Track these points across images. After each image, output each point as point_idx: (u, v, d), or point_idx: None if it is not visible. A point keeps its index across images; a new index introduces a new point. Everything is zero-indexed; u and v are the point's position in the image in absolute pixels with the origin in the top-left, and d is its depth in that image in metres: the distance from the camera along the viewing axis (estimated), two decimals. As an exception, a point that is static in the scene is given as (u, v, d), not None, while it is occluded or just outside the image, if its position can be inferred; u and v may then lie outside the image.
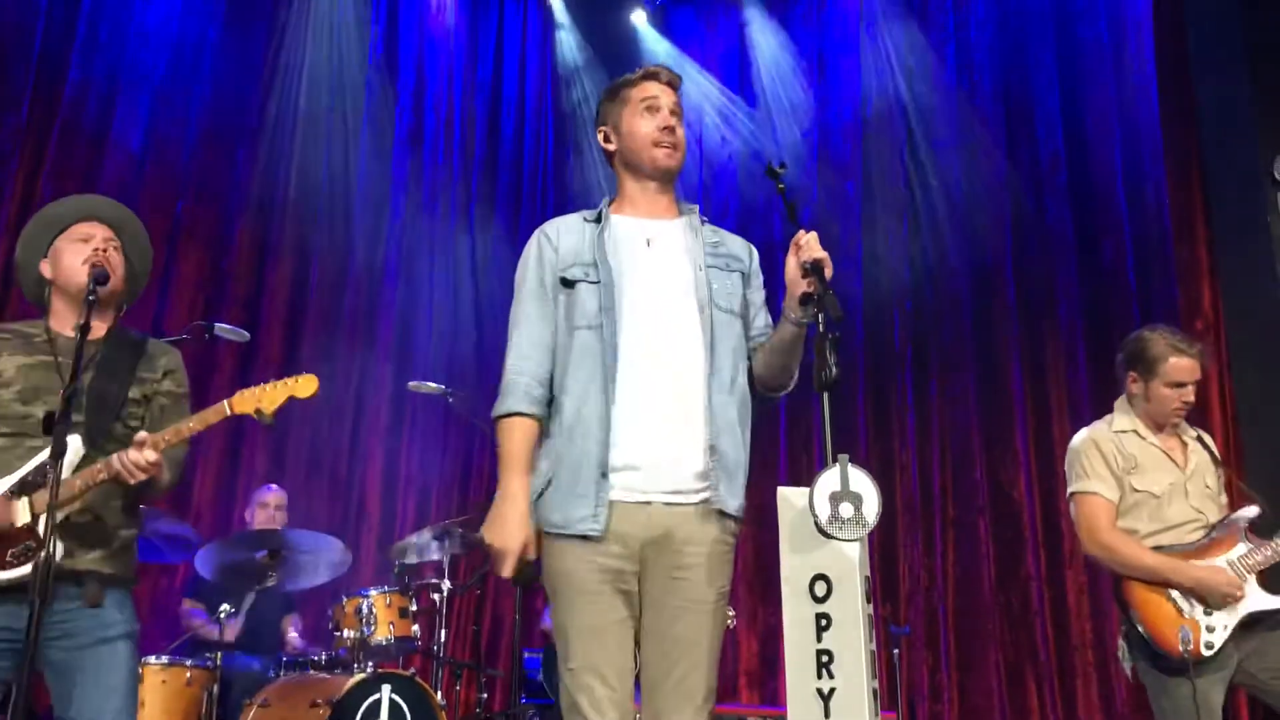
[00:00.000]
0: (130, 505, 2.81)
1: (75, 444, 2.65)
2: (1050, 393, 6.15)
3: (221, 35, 6.72)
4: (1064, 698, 5.78)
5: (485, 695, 5.45)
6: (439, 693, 4.83)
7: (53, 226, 2.93)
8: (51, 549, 2.41)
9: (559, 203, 8.03)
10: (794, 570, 2.18)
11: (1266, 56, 5.21)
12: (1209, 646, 3.31)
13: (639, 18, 8.39)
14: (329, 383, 6.60)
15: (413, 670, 5.03)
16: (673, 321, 2.50)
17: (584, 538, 2.33)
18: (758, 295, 2.68)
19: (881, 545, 6.50)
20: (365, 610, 4.77)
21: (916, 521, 6.55)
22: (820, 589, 2.18)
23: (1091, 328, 5.99)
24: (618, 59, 8.25)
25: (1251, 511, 3.50)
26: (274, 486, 5.63)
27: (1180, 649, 3.26)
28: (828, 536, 2.18)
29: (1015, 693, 5.97)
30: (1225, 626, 3.33)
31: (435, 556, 5.25)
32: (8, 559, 2.61)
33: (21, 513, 2.63)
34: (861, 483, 2.23)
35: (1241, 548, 3.43)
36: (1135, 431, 3.59)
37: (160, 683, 4.32)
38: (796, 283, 2.39)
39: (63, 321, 2.87)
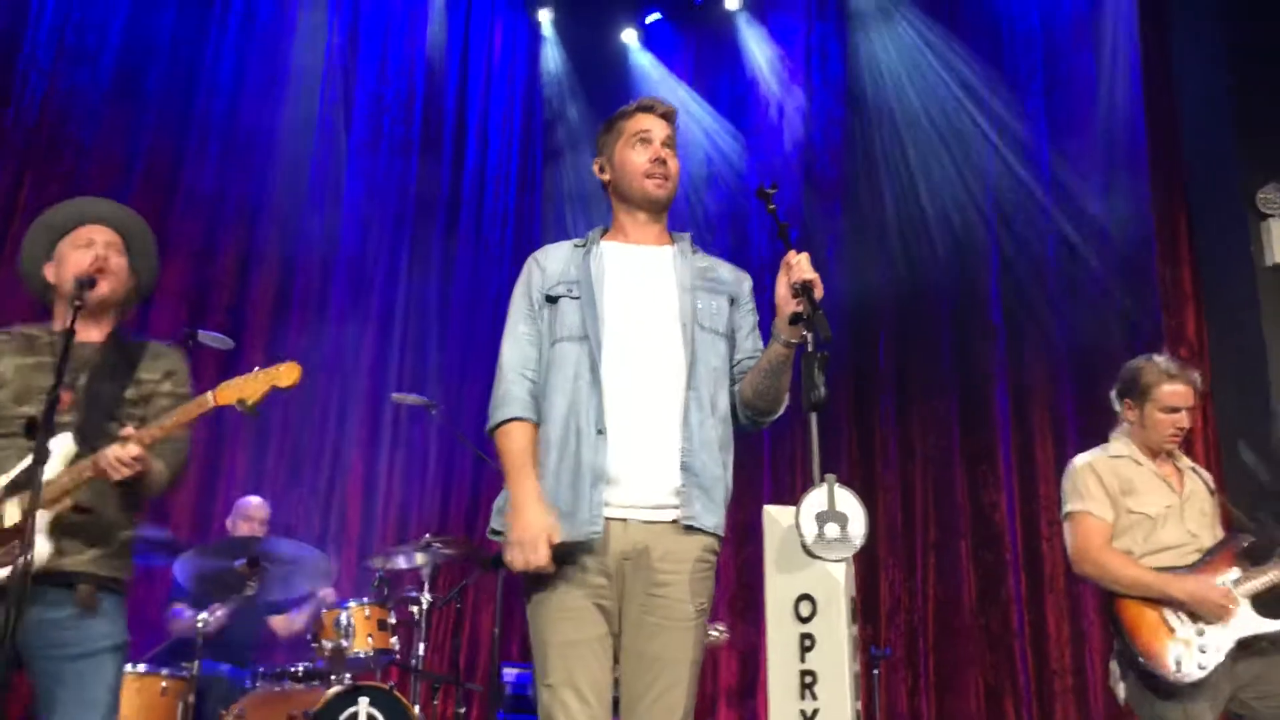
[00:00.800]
0: (128, 504, 2.80)
1: (66, 443, 2.65)
2: (1033, 416, 6.17)
3: (210, 46, 6.71)
4: (1042, 721, 5.78)
5: (463, 709, 5.41)
6: (416, 706, 4.79)
7: (55, 231, 2.93)
8: (30, 553, 2.39)
9: (541, 218, 8.03)
10: (779, 590, 2.18)
11: (1249, 90, 5.28)
12: (1202, 667, 3.32)
13: (630, 35, 8.41)
14: (311, 392, 6.66)
15: (391, 683, 5.00)
16: (655, 338, 2.54)
17: (565, 559, 2.35)
18: (748, 319, 2.70)
19: (863, 566, 6.48)
20: (344, 622, 4.74)
21: (898, 543, 6.55)
22: (805, 609, 2.18)
23: (1075, 352, 6.02)
24: (605, 76, 8.28)
25: (1246, 538, 3.54)
26: (257, 498, 5.59)
27: (1173, 669, 3.28)
28: (813, 556, 2.18)
29: (994, 715, 5.97)
30: (1219, 648, 3.34)
31: (416, 569, 5.23)
32: None
33: (10, 513, 2.61)
34: (848, 503, 2.24)
35: (1236, 572, 3.46)
36: (1131, 457, 3.64)
37: (135, 692, 4.28)
38: (786, 302, 2.41)
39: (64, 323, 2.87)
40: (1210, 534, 3.58)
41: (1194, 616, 3.37)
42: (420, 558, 5.11)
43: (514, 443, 2.45)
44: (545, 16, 8.41)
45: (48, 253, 2.91)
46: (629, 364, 2.48)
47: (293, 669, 4.74)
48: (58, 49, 6.11)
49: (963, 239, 6.69)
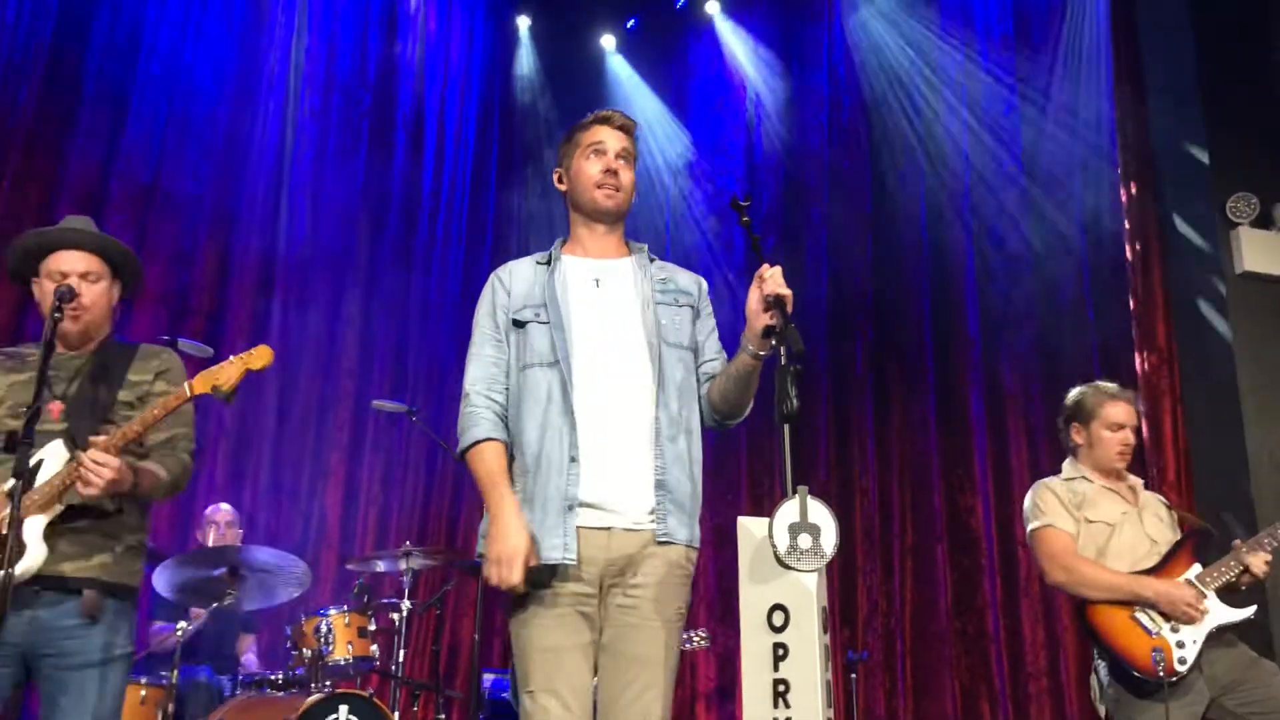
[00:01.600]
0: (136, 508, 2.82)
1: (58, 449, 2.67)
2: (1008, 421, 6.23)
3: (190, 49, 6.71)
4: (1017, 725, 5.84)
5: (443, 716, 5.43)
6: (396, 713, 4.81)
7: (33, 255, 2.94)
8: (10, 564, 2.41)
9: (520, 221, 8.04)
10: (752, 600, 2.22)
11: (1220, 99, 5.35)
12: (1182, 662, 3.39)
13: (608, 41, 8.44)
14: (290, 398, 6.67)
15: (370, 690, 5.01)
16: (622, 359, 2.55)
17: (547, 570, 2.37)
18: (707, 324, 2.74)
19: (841, 570, 6.54)
20: (324, 629, 4.75)
21: (875, 547, 6.60)
22: (778, 619, 2.22)
23: (1048, 358, 6.08)
24: (581, 82, 8.31)
25: (1203, 535, 3.66)
26: (223, 505, 5.57)
27: (1155, 668, 3.34)
28: (786, 567, 2.22)
29: (970, 718, 6.02)
30: (1194, 641, 3.42)
31: (396, 575, 5.24)
32: None
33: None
34: (820, 514, 2.27)
35: (1197, 567, 3.56)
36: (1084, 477, 3.77)
37: (114, 700, 4.27)
38: (757, 315, 2.43)
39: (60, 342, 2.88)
40: (1169, 539, 3.68)
41: (1165, 615, 3.44)
42: (400, 564, 5.13)
43: (486, 463, 2.46)
44: (523, 23, 8.44)
45: (33, 272, 2.95)
46: (599, 387, 2.50)
47: (272, 676, 4.74)
48: (35, 50, 6.10)
49: (940, 247, 6.75)
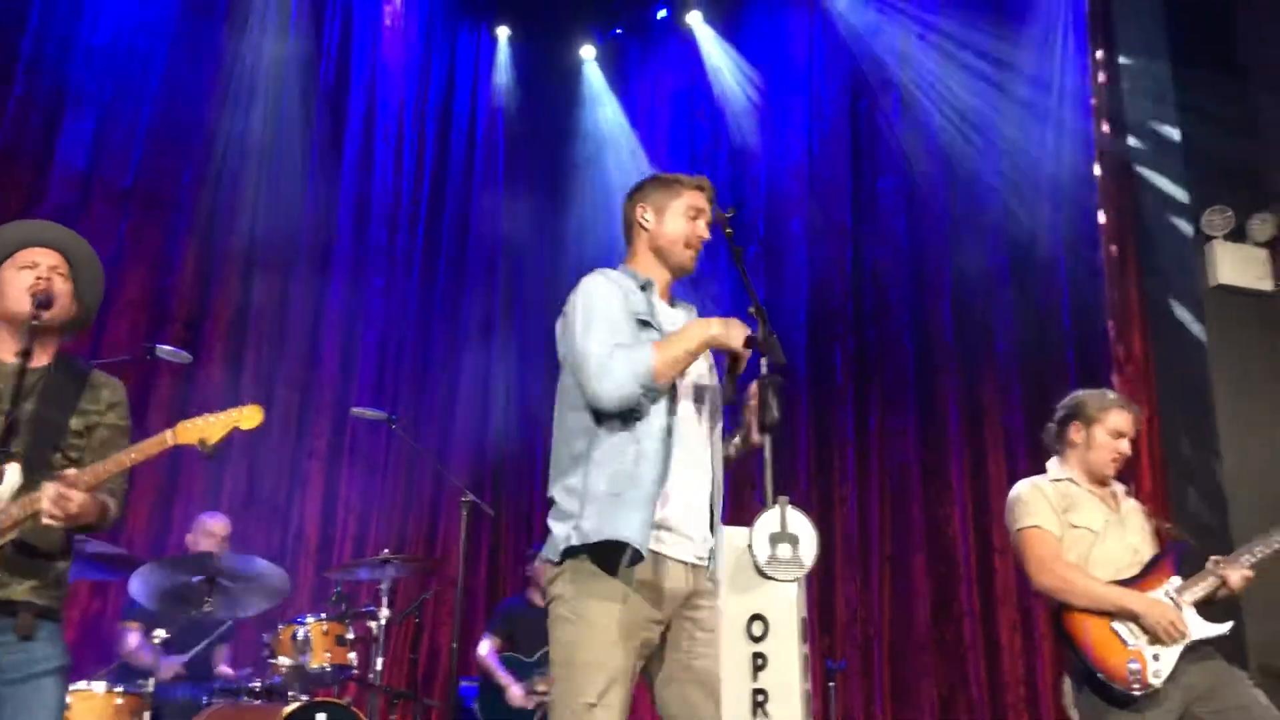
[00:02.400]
0: (66, 536, 2.78)
1: (14, 473, 2.63)
2: (986, 431, 6.27)
3: (169, 55, 6.69)
4: (994, 733, 5.87)
5: (421, 725, 5.42)
6: (374, 722, 4.80)
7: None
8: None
9: (496, 231, 8.03)
10: (732, 610, 2.23)
11: (1196, 114, 5.41)
12: (1156, 675, 3.41)
13: (587, 52, 8.46)
14: (270, 405, 6.63)
15: (349, 699, 5.00)
16: (700, 403, 2.77)
17: (634, 584, 2.50)
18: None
19: (820, 579, 6.56)
20: (301, 638, 4.73)
21: (854, 555, 6.63)
22: (757, 629, 2.23)
23: (1027, 369, 6.13)
24: (557, 93, 8.33)
25: (1183, 547, 3.68)
26: (221, 515, 5.53)
27: (1130, 680, 3.37)
28: (766, 577, 2.23)
29: (948, 727, 6.05)
30: (1170, 655, 3.44)
31: (374, 584, 5.23)
32: None
33: None
34: (799, 524, 2.30)
35: (1177, 580, 3.57)
36: (1070, 479, 3.76)
37: (90, 710, 4.23)
38: (753, 431, 2.76)
39: (6, 348, 2.80)
40: (1150, 548, 3.70)
41: (1145, 629, 3.46)
42: (379, 573, 5.11)
43: (663, 346, 2.61)
44: (503, 33, 8.44)
45: None
46: (690, 421, 2.73)
47: (250, 685, 4.72)
48: (33, 59, 6.08)
49: (919, 257, 6.79)
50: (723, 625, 2.21)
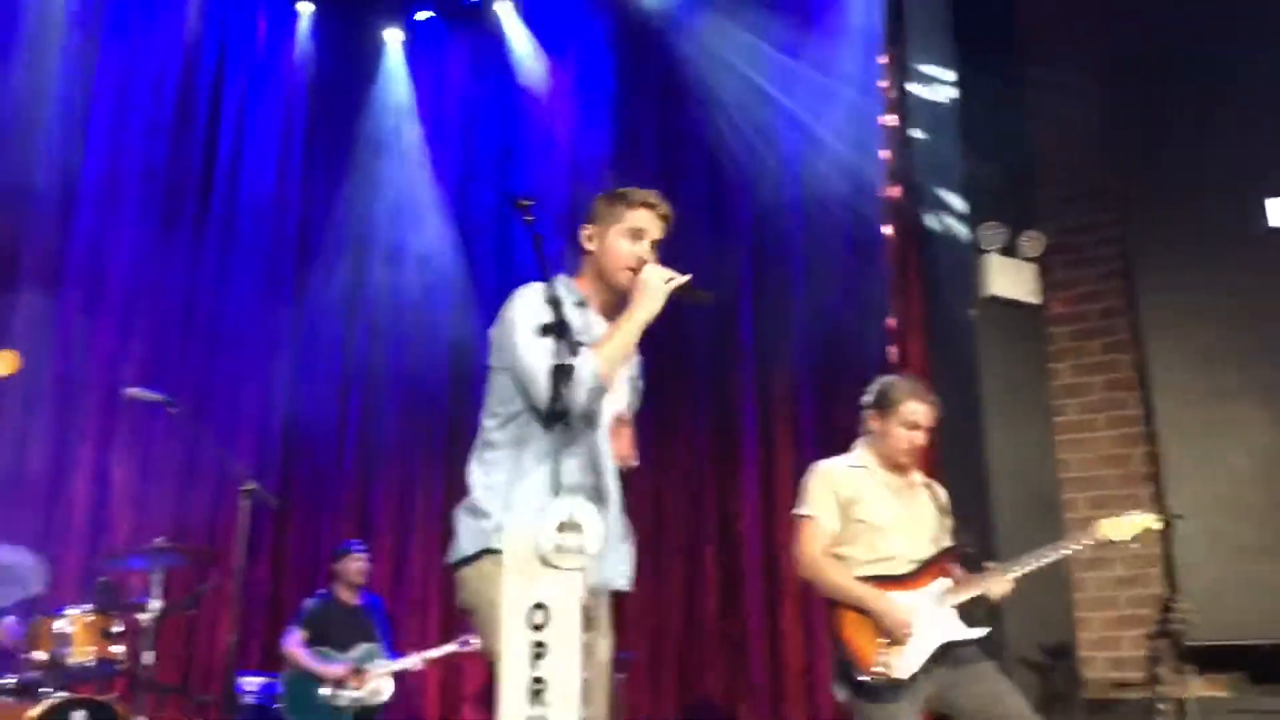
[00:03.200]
0: None
1: None
2: (777, 430, 6.46)
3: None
4: (775, 720, 6.07)
5: (193, 721, 5.18)
6: (142, 718, 4.55)
7: None
8: None
9: (290, 213, 7.75)
10: (515, 598, 2.22)
11: (975, 131, 5.73)
12: (902, 670, 3.52)
13: (392, 34, 8.25)
14: (36, 384, 6.20)
15: (115, 695, 4.73)
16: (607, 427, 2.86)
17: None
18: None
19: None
20: (60, 630, 4.44)
21: (647, 547, 6.67)
22: (539, 617, 2.23)
23: (815, 372, 6.34)
24: (359, 71, 8.11)
25: (960, 551, 3.80)
26: None
27: (876, 673, 3.51)
28: (550, 566, 2.23)
29: (730, 716, 6.21)
30: (920, 653, 3.55)
31: (146, 573, 4.96)
32: None
33: None
34: (586, 514, 2.30)
35: (946, 582, 3.69)
36: (866, 467, 3.83)
37: None
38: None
39: None
40: (930, 546, 3.77)
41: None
42: (152, 562, 4.86)
43: (605, 345, 2.71)
44: (305, 8, 8.15)
45: None
46: (604, 441, 2.82)
47: (2, 680, 4.40)
48: None
49: (718, 257, 6.92)
50: (504, 614, 2.21)
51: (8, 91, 6.45)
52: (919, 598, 3.65)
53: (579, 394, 2.56)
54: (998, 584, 3.66)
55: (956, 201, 5.72)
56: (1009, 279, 5.52)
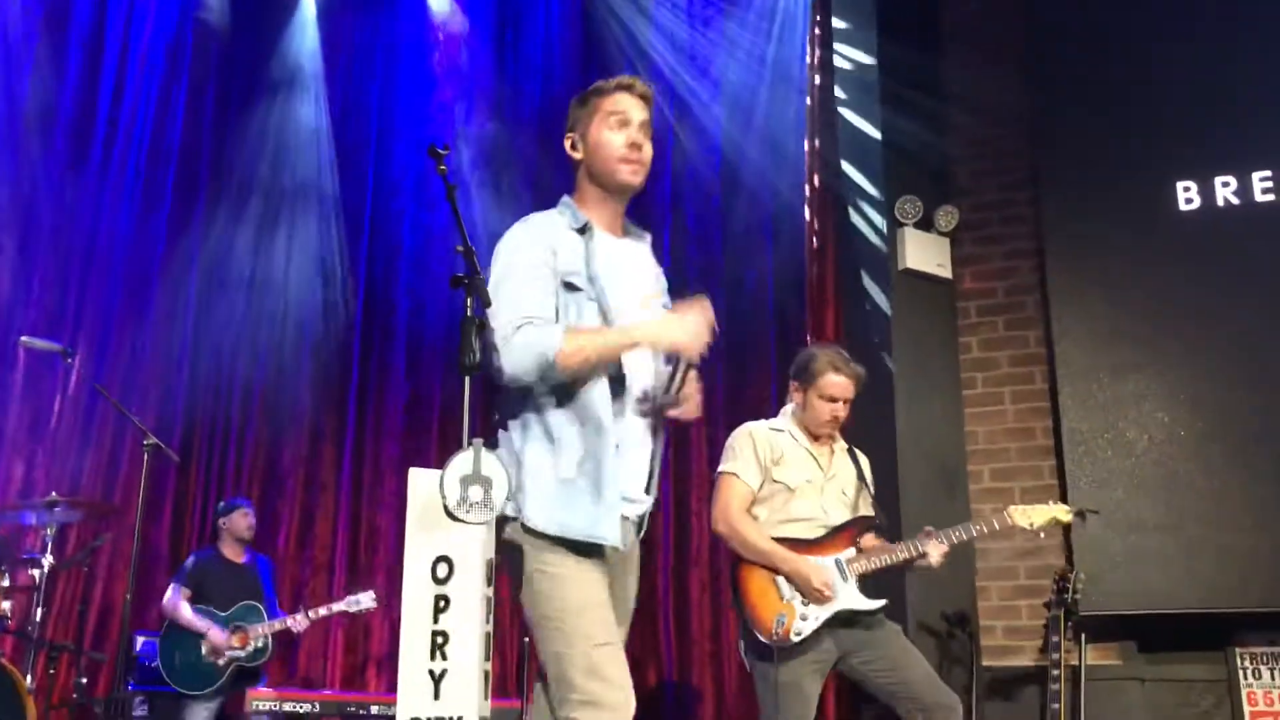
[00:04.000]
0: None
1: None
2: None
3: None
4: (680, 685, 6.11)
5: (85, 680, 5.04)
6: (30, 677, 4.41)
7: None
8: None
9: (201, 161, 7.50)
10: (417, 552, 2.18)
11: (896, 107, 5.78)
12: (798, 634, 3.60)
13: None
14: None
15: (2, 653, 4.58)
16: (641, 355, 2.55)
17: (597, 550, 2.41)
18: None
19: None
20: (-56, 586, 4.29)
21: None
22: (442, 570, 2.19)
23: (731, 345, 6.34)
24: (269, 26, 7.88)
25: (871, 521, 3.87)
26: None
27: (772, 631, 3.55)
28: (455, 519, 2.19)
29: (639, 681, 6.22)
30: (816, 618, 3.62)
31: (39, 529, 4.81)
32: None
33: None
34: (493, 467, 2.27)
35: (852, 550, 3.76)
36: (789, 432, 3.88)
37: None
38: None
39: None
40: (845, 513, 3.84)
41: (799, 589, 3.65)
42: (45, 517, 4.71)
43: (583, 336, 2.39)
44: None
45: None
46: (632, 378, 2.51)
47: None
48: None
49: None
50: (406, 567, 2.17)
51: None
52: (827, 562, 3.70)
53: (523, 359, 2.37)
54: (935, 549, 3.76)
55: (874, 176, 5.77)
56: (923, 253, 5.59)
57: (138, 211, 7.01)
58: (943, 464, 5.46)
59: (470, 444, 2.30)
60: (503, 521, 2.40)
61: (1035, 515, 3.92)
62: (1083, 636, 4.70)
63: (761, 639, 3.60)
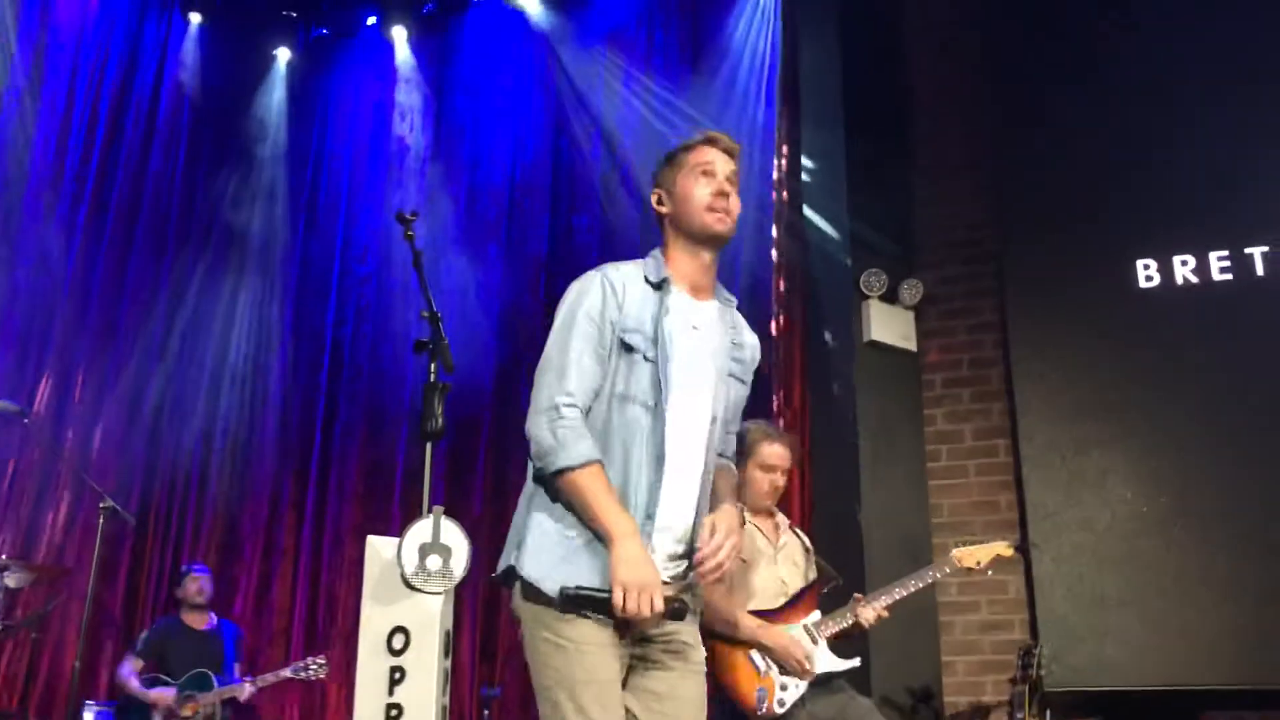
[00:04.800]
0: None
1: None
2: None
3: None
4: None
5: (29, 752, 4.90)
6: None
7: None
8: None
9: (170, 218, 7.49)
10: (373, 622, 2.14)
11: (861, 182, 5.87)
12: (781, 704, 3.59)
13: (283, 53, 8.09)
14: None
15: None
16: (696, 426, 2.42)
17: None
18: (744, 392, 2.64)
19: (485, 603, 6.51)
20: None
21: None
22: (398, 641, 2.15)
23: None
24: (247, 85, 7.94)
25: (829, 584, 3.90)
26: None
27: (757, 707, 3.52)
28: (412, 589, 2.16)
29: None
30: (797, 687, 3.63)
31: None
32: None
33: None
34: (453, 536, 2.24)
35: (817, 614, 3.78)
36: None
37: None
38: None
39: None
40: (799, 581, 3.88)
41: (775, 660, 3.64)
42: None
43: (600, 485, 2.23)
44: (195, 18, 7.93)
45: None
46: (678, 449, 2.37)
47: None
48: None
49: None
50: (361, 637, 2.12)
51: None
52: (797, 630, 3.72)
53: (540, 442, 2.28)
54: (868, 611, 3.78)
55: (841, 248, 5.82)
56: (888, 326, 5.63)
57: (102, 271, 6.97)
58: (907, 536, 5.45)
59: (430, 511, 2.28)
60: (511, 575, 2.30)
61: (981, 554, 3.99)
62: (1048, 713, 4.66)
63: (747, 714, 3.57)
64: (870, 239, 5.82)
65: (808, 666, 3.62)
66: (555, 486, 2.27)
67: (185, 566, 6.14)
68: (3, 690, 5.83)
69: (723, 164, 2.54)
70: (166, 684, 5.56)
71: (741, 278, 6.36)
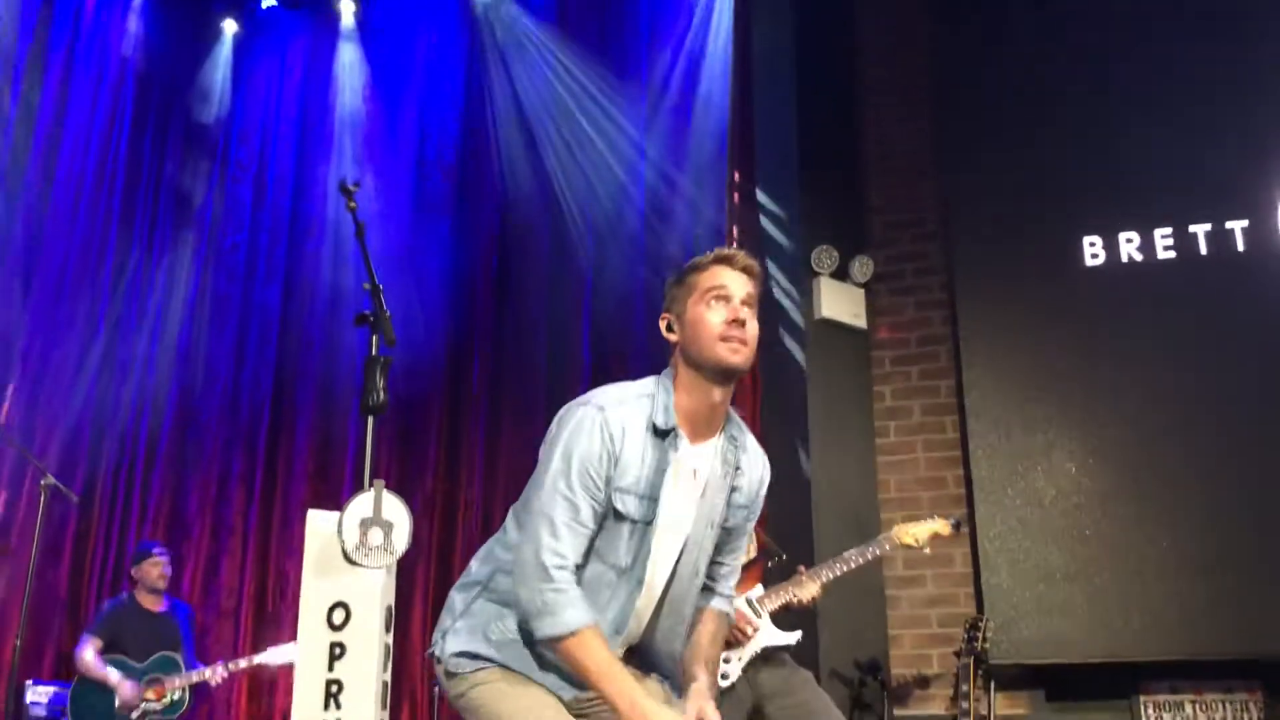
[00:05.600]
0: None
1: None
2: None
3: None
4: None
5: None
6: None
7: None
8: None
9: (149, 216, 7.37)
10: (313, 598, 2.12)
11: (813, 159, 5.89)
12: (724, 677, 3.63)
13: (229, 25, 7.94)
14: None
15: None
16: (679, 592, 2.31)
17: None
18: (747, 525, 2.46)
19: (437, 580, 6.50)
20: None
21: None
22: (338, 617, 2.14)
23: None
24: (193, 56, 7.80)
25: (772, 559, 3.93)
26: None
27: None
28: (353, 563, 2.15)
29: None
30: (739, 659, 3.68)
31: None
32: None
33: None
34: (395, 510, 2.23)
35: (759, 589, 3.84)
36: None
37: None
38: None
39: None
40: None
41: None
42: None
43: (599, 648, 2.08)
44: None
45: None
46: (650, 613, 2.27)
47: None
48: None
49: (559, 276, 6.88)
50: (301, 612, 2.10)
51: None
52: (739, 602, 3.72)
53: (528, 603, 2.12)
54: (806, 588, 3.86)
55: (792, 225, 5.84)
56: (838, 301, 5.67)
57: (46, 243, 6.83)
58: (856, 511, 5.50)
59: (372, 485, 2.26)
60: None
61: (920, 531, 4.09)
62: (992, 685, 4.74)
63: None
64: (821, 216, 5.84)
65: (747, 631, 3.67)
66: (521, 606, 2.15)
67: (145, 546, 6.00)
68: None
69: (738, 286, 2.27)
70: (126, 666, 5.49)
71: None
